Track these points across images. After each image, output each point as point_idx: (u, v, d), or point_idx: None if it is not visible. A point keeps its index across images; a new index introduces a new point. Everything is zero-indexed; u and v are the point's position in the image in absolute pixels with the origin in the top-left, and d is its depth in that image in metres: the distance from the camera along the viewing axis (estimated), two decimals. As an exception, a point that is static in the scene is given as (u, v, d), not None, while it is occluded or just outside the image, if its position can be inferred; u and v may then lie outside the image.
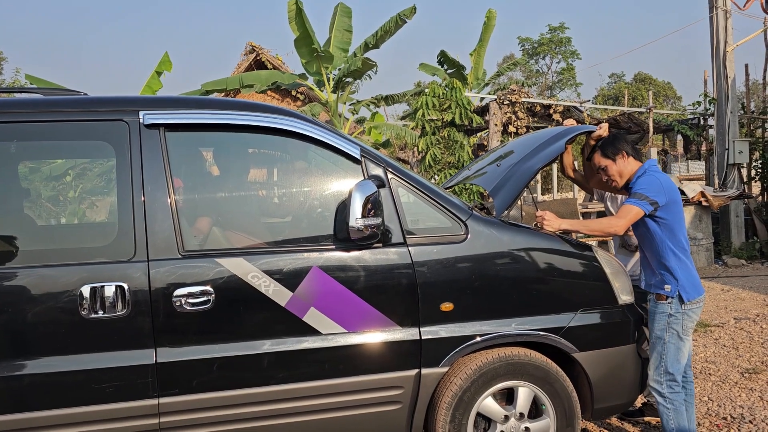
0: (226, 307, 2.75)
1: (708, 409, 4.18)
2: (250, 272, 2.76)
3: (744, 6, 11.16)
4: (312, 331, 2.84)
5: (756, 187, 11.77)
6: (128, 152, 2.77)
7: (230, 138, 3.07)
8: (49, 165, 9.05)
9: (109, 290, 2.63)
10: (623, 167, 3.33)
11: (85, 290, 2.62)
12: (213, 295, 2.72)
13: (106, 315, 2.64)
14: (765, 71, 12.67)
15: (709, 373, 4.83)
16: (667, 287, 3.22)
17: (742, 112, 11.65)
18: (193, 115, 2.87)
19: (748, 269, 9.59)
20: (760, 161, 11.53)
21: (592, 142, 3.58)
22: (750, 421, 3.93)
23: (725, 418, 4.00)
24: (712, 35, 10.94)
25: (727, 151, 10.78)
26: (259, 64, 18.58)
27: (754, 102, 12.77)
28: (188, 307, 2.70)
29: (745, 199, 10.85)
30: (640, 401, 4.09)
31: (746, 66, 12.56)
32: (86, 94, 3.11)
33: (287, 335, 2.82)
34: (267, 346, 2.80)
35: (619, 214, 3.22)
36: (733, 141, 10.73)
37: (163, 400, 2.69)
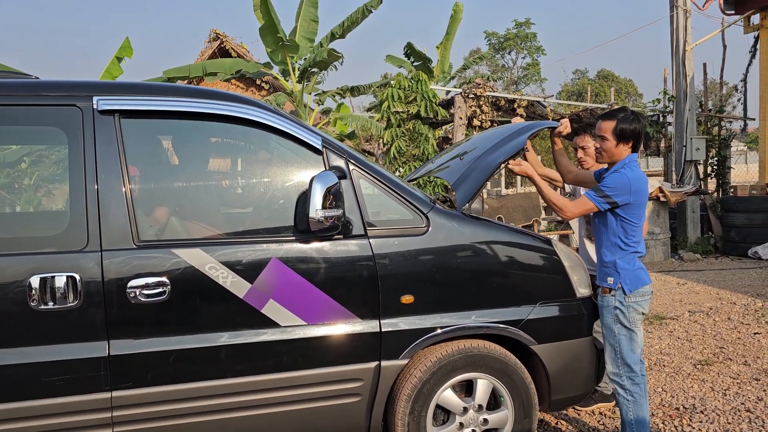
0: (183, 298, 2.70)
1: (662, 399, 4.28)
2: (208, 263, 2.71)
3: (703, 6, 11.42)
4: (271, 324, 2.80)
5: (712, 184, 12.08)
6: (81, 139, 2.68)
7: (189, 126, 2.99)
8: (3, 151, 8.76)
9: (60, 281, 2.55)
10: (618, 152, 3.25)
11: (35, 281, 2.53)
12: (169, 287, 2.67)
13: (56, 306, 2.56)
14: (722, 70, 13.02)
15: (664, 365, 4.95)
16: (610, 280, 3.24)
17: (700, 110, 11.92)
18: (150, 102, 2.79)
19: (703, 263, 9.85)
20: (716, 158, 11.83)
21: (556, 138, 3.62)
22: (701, 411, 4.03)
23: (678, 409, 4.10)
24: (672, 34, 11.15)
25: (684, 148, 11.03)
26: (223, 52, 18.29)
27: (711, 101, 13.09)
28: (143, 299, 2.64)
29: (702, 195, 11.13)
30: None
31: (704, 65, 12.92)
32: (37, 78, 3.00)
33: (245, 327, 2.78)
34: (224, 338, 2.76)
35: (576, 201, 3.28)
36: (691, 138, 10.98)
37: (116, 393, 2.62)
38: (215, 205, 3.13)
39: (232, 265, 2.74)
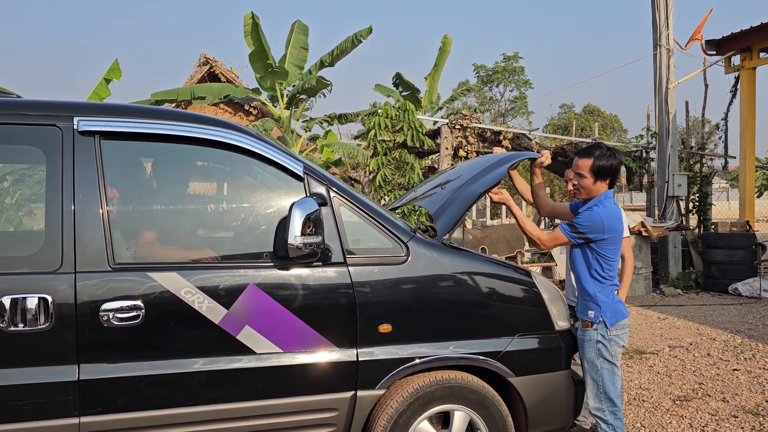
0: (157, 323, 2.66)
1: (640, 435, 4.26)
2: (184, 288, 2.68)
3: (686, 45, 11.67)
4: (246, 350, 2.76)
5: (693, 220, 12.21)
6: (60, 159, 2.66)
7: (170, 149, 2.98)
8: (-17, 169, 8.67)
9: (32, 302, 2.51)
10: (595, 189, 3.30)
11: (6, 301, 2.49)
12: (143, 311, 2.63)
13: (27, 328, 2.51)
14: (704, 109, 13.26)
15: (643, 400, 4.93)
16: (591, 313, 3.27)
17: (682, 147, 12.10)
18: (131, 124, 2.78)
19: (684, 298, 9.89)
20: (697, 195, 11.97)
21: (536, 169, 3.64)
22: (679, 448, 4.01)
23: (656, 445, 4.08)
24: (656, 72, 11.36)
25: (666, 184, 11.16)
26: (212, 77, 18.37)
27: (694, 138, 13.31)
28: (116, 322, 2.59)
29: (683, 231, 11.24)
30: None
31: (686, 103, 13.11)
32: (19, 97, 2.99)
33: (220, 354, 2.74)
34: (198, 364, 2.71)
35: (551, 234, 3.34)
36: (673, 174, 11.12)
37: (85, 419, 2.56)
38: (193, 229, 3.11)
39: (208, 290, 2.71)
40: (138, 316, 2.62)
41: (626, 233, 3.95)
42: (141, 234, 2.91)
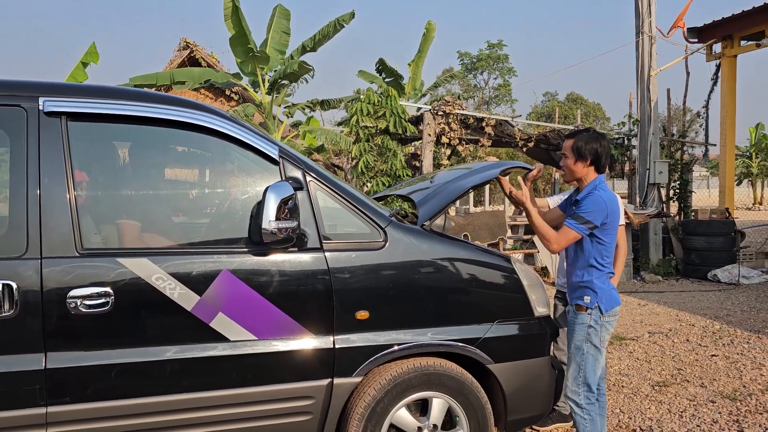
0: (127, 310, 2.59)
1: (619, 421, 4.27)
2: (155, 274, 2.61)
3: (668, 33, 11.68)
4: (219, 338, 2.70)
5: (674, 207, 12.29)
6: (24, 141, 2.56)
7: (142, 132, 2.89)
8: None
9: (-5, 289, 2.42)
10: (578, 170, 3.30)
11: (-32, 288, 2.40)
12: (112, 297, 2.55)
13: (-10, 316, 2.42)
14: (685, 96, 13.30)
15: (622, 386, 4.95)
16: (587, 299, 3.26)
17: (663, 134, 12.15)
18: (100, 105, 2.68)
19: (664, 285, 9.97)
20: (678, 182, 12.05)
21: (528, 183, 3.55)
22: (658, 433, 4.03)
23: (635, 430, 4.09)
24: (638, 59, 11.37)
25: (648, 171, 11.21)
26: (192, 61, 18.10)
27: (675, 126, 13.36)
28: (84, 309, 2.52)
29: (664, 218, 11.31)
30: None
31: (668, 91, 13.14)
32: (-16, 77, 2.88)
33: (193, 341, 2.68)
34: (171, 352, 2.65)
35: (560, 232, 3.23)
36: (654, 162, 11.17)
37: (52, 409, 2.49)
38: (165, 214, 3.03)
39: (180, 277, 2.64)
40: (107, 303, 2.54)
41: (622, 221, 3.93)
42: (110, 219, 2.82)
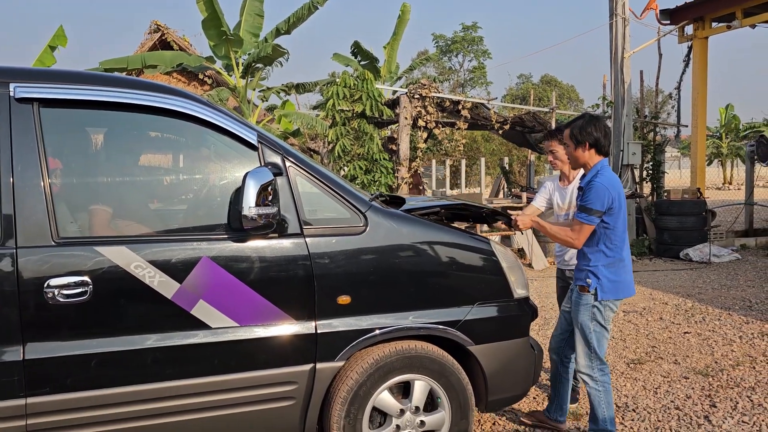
0: (106, 299, 2.56)
1: (596, 398, 4.35)
2: (133, 262, 2.58)
3: (641, 15, 11.77)
4: (201, 325, 2.69)
5: (647, 188, 12.47)
6: None
7: (117, 118, 2.84)
8: None
9: (-30, 280, 2.38)
10: (580, 156, 3.40)
11: (-59, 279, 2.35)
12: (90, 286, 2.52)
13: (-35, 307, 2.38)
14: (658, 78, 13.45)
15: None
16: (589, 281, 3.36)
17: (636, 116, 12.29)
18: (73, 91, 2.63)
19: (638, 265, 10.14)
20: (651, 163, 12.22)
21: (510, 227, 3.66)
22: (633, 410, 4.12)
23: (611, 407, 4.17)
24: (612, 41, 11.45)
25: (622, 153, 11.34)
26: (164, 45, 17.78)
27: (648, 107, 13.52)
28: (62, 299, 2.48)
29: (637, 199, 11.48)
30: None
31: (641, 72, 13.28)
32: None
33: (174, 329, 2.66)
34: (151, 341, 2.63)
35: (576, 230, 3.33)
36: (628, 143, 11.30)
37: (31, 400, 2.46)
38: (143, 201, 2.99)
39: (159, 264, 2.62)
40: (85, 292, 2.51)
41: None
42: (86, 207, 2.78)
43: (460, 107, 10.80)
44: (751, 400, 4.21)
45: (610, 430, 3.43)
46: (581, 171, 3.75)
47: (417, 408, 3.08)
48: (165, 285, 2.62)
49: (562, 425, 3.79)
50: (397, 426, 3.05)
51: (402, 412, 3.05)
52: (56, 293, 2.48)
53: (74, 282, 2.50)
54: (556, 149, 4.03)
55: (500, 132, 12.06)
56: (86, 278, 2.52)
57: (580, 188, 3.42)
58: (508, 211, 3.51)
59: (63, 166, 2.76)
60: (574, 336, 3.49)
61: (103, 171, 2.94)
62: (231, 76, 15.47)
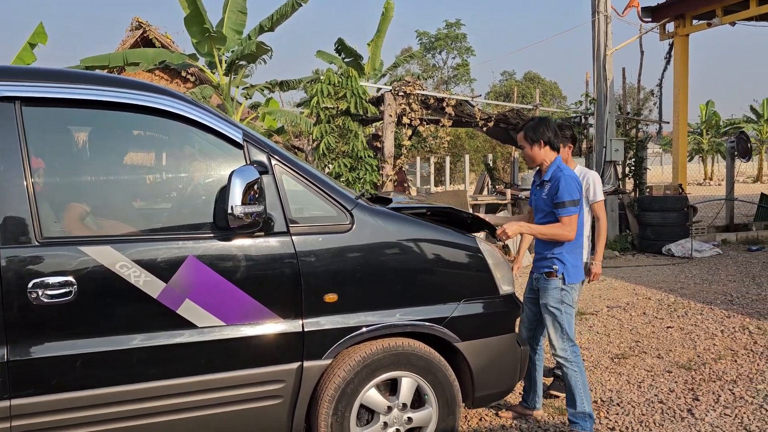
0: (91, 299, 2.54)
1: (581, 393, 4.39)
2: (119, 261, 2.56)
3: (623, 12, 11.87)
4: (187, 324, 2.68)
5: (630, 184, 12.59)
6: None
7: (101, 117, 2.81)
8: None
9: (-48, 281, 2.35)
10: (536, 154, 3.64)
11: None
12: (75, 287, 2.50)
13: (-53, 309, 2.35)
14: (639, 75, 13.58)
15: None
16: (555, 267, 3.60)
17: (619, 113, 12.39)
18: (56, 90, 2.60)
19: (621, 260, 10.24)
20: (633, 159, 12.33)
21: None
22: (618, 404, 4.17)
23: (596, 402, 4.22)
24: (594, 39, 11.53)
25: (604, 149, 11.43)
26: (146, 42, 17.61)
27: (630, 104, 13.64)
28: (46, 300, 2.46)
29: (620, 195, 11.58)
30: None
31: (623, 70, 13.39)
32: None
33: (160, 329, 2.65)
34: (137, 340, 2.62)
35: (565, 224, 3.53)
36: (610, 140, 11.39)
37: (16, 401, 2.44)
38: (128, 201, 2.97)
39: (145, 264, 2.60)
40: (70, 292, 2.49)
41: (601, 197, 4.30)
42: (71, 206, 2.75)
43: (444, 104, 10.82)
44: (733, 393, 4.27)
45: (588, 411, 3.59)
46: (577, 167, 4.24)
47: (404, 405, 3.09)
48: (151, 284, 2.61)
49: (539, 411, 4.00)
50: (385, 423, 3.06)
51: (389, 409, 3.06)
52: (40, 294, 2.45)
53: (58, 282, 2.48)
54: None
55: (484, 129, 12.09)
56: (71, 278, 2.50)
57: (543, 182, 3.65)
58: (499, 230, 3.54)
59: (46, 166, 2.73)
60: (545, 323, 3.68)
61: (87, 170, 2.92)
62: (214, 73, 15.37)
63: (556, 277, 3.59)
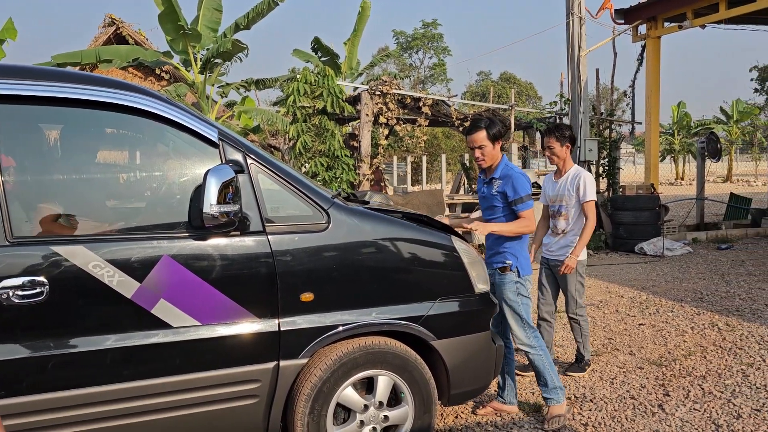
0: (63, 299, 2.51)
1: (555, 390, 4.45)
2: (92, 261, 2.53)
3: (596, 14, 12.01)
4: (162, 325, 2.66)
5: (603, 183, 12.75)
6: None
7: (74, 115, 2.77)
8: None
9: None
10: (494, 153, 3.81)
11: None
12: (47, 287, 2.47)
13: None
14: (613, 76, 13.75)
15: (558, 357, 5.15)
16: (509, 262, 3.80)
17: (592, 113, 12.55)
18: (26, 86, 2.56)
19: (595, 259, 10.37)
20: (607, 159, 12.49)
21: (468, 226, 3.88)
22: (591, 400, 4.23)
23: (570, 398, 4.28)
24: (569, 40, 11.66)
25: (579, 149, 11.57)
26: (119, 39, 17.38)
27: (603, 105, 13.82)
28: (17, 300, 2.42)
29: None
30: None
31: (597, 71, 13.58)
32: None
33: (134, 329, 2.63)
34: (111, 341, 2.59)
35: (524, 219, 3.74)
36: (585, 140, 11.53)
37: (-14, 404, 2.40)
38: (101, 200, 2.93)
39: (118, 263, 2.58)
40: (42, 292, 2.46)
41: (591, 197, 4.49)
42: (42, 205, 2.71)
43: (421, 104, 10.85)
44: (702, 389, 4.37)
45: (558, 385, 3.85)
46: (573, 167, 4.58)
47: (381, 403, 3.10)
48: (124, 284, 2.58)
49: (515, 406, 4.06)
50: (361, 422, 3.07)
51: (366, 407, 3.07)
52: (11, 294, 2.42)
53: (30, 282, 2.44)
54: (554, 145, 4.52)
55: (461, 129, 12.15)
56: (42, 278, 2.47)
57: (492, 179, 3.82)
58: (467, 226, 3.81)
59: (17, 164, 2.68)
60: (505, 315, 3.83)
61: (59, 169, 2.87)
62: (189, 71, 15.23)
63: (511, 271, 3.78)
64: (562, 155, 4.56)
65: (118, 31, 17.45)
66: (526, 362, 4.37)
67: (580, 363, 4.80)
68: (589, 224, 4.47)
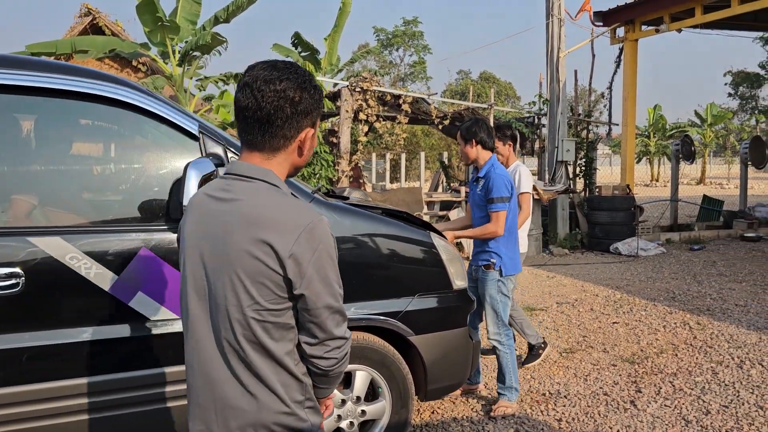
0: (39, 291, 2.48)
1: (530, 386, 4.51)
2: (69, 253, 2.51)
3: (575, 16, 12.14)
4: (140, 318, 2.64)
5: (580, 184, 12.90)
6: None
7: (50, 105, 2.73)
8: None
9: None
10: (470, 152, 3.97)
11: None
12: (23, 278, 2.44)
13: None
14: (591, 78, 13.95)
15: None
16: (493, 261, 3.92)
17: (570, 114, 12.68)
18: (2, 76, 2.52)
19: (571, 258, 10.49)
20: (584, 160, 12.64)
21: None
22: (565, 396, 4.29)
23: (544, 394, 4.34)
24: (548, 41, 11.77)
25: (556, 149, 11.68)
26: (95, 29, 17.09)
27: (581, 106, 13.97)
28: (-9, 292, 2.39)
29: (571, 194, 11.86)
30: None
31: (575, 72, 13.73)
32: None
33: (111, 322, 2.61)
34: (87, 334, 2.57)
35: (493, 221, 3.87)
36: (562, 140, 11.65)
37: (-42, 396, 2.36)
38: (78, 191, 2.90)
39: (96, 256, 2.55)
40: (17, 284, 2.43)
41: (526, 189, 4.69)
42: (18, 196, 2.68)
43: (400, 101, 10.87)
44: (673, 386, 4.45)
45: (515, 386, 4.03)
46: (515, 162, 4.79)
47: (358, 398, 3.12)
48: (102, 277, 2.56)
49: (479, 386, 4.38)
50: (339, 416, 3.08)
51: (343, 402, 3.09)
52: (-15, 285, 2.38)
53: (5, 273, 2.41)
54: (497, 145, 4.68)
55: (440, 127, 12.19)
56: (18, 269, 2.44)
57: (477, 179, 3.96)
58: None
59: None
60: (484, 309, 4.01)
61: (34, 160, 2.83)
62: (167, 63, 15.04)
63: (494, 269, 3.91)
64: (506, 153, 4.89)
65: (95, 22, 17.16)
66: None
67: (532, 351, 4.97)
68: (524, 216, 4.63)
